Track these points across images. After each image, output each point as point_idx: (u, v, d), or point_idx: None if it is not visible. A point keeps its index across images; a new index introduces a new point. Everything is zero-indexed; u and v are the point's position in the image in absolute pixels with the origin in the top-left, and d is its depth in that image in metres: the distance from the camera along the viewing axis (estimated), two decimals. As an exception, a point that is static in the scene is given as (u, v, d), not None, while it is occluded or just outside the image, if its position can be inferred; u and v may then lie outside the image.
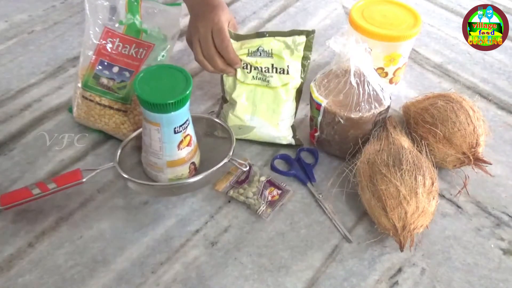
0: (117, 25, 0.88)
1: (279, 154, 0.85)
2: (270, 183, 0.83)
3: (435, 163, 0.82)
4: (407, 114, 0.93)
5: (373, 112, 0.83)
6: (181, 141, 0.77)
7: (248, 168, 0.79)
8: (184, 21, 1.17)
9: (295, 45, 0.84)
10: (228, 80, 0.89)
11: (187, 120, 0.76)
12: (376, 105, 0.84)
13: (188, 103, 0.74)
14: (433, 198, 0.76)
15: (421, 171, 0.76)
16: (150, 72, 0.76)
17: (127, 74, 0.87)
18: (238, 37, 0.85)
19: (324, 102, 0.84)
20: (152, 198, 0.83)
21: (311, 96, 0.87)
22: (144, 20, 0.88)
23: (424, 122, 0.87)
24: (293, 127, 0.90)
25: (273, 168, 0.85)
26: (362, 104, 0.83)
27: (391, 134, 0.85)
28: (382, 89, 0.86)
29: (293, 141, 0.88)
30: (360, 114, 0.82)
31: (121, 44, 0.88)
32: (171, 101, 0.71)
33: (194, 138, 0.80)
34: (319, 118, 0.86)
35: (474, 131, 0.83)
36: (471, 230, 0.82)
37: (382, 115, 0.85)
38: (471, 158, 0.82)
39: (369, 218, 0.80)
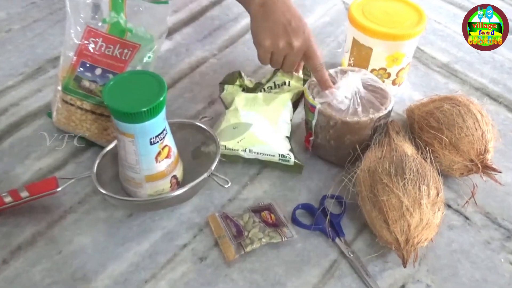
0: (100, 24, 0.87)
1: (300, 204, 0.84)
2: (255, 210, 0.82)
3: (441, 171, 0.81)
4: (411, 118, 0.92)
5: (372, 117, 0.82)
6: (159, 153, 0.76)
7: (229, 184, 0.78)
8: (172, 19, 1.17)
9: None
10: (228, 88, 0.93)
11: (164, 129, 0.75)
12: (375, 110, 0.83)
13: (163, 111, 0.74)
14: (439, 210, 0.76)
15: (425, 181, 0.75)
16: (121, 79, 0.75)
17: (110, 76, 0.86)
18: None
19: (318, 104, 0.83)
20: (136, 211, 0.82)
21: (305, 98, 0.87)
22: (129, 18, 0.87)
23: (429, 127, 0.86)
24: (290, 138, 0.90)
25: (295, 221, 0.81)
26: (360, 108, 0.82)
27: (394, 140, 0.84)
28: (384, 92, 0.85)
29: (291, 157, 0.86)
30: (357, 118, 0.82)
31: (104, 44, 0.87)
32: (144, 109, 0.70)
33: (174, 149, 0.79)
34: (314, 122, 0.85)
35: (482, 137, 0.82)
36: (479, 243, 0.81)
37: (382, 120, 0.84)
38: (479, 165, 0.81)
39: (370, 230, 0.79)
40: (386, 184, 0.75)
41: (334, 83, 0.86)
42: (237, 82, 0.94)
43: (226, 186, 0.78)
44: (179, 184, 0.82)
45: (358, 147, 0.83)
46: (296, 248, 0.79)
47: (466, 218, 0.84)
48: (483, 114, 0.86)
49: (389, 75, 0.99)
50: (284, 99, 0.91)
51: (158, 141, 0.75)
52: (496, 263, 0.79)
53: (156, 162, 0.76)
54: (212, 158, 0.81)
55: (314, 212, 0.83)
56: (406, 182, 0.74)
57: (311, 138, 0.88)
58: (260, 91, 0.94)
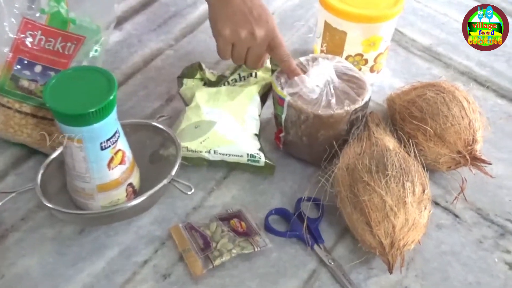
0: (38, 14, 0.86)
1: (273, 209, 0.84)
2: (223, 218, 0.82)
3: (426, 165, 0.82)
4: (391, 108, 0.93)
5: (347, 110, 0.82)
6: (111, 159, 0.75)
7: (192, 190, 0.77)
8: (121, 6, 1.16)
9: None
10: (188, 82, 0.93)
11: (116, 132, 0.74)
12: (350, 101, 0.83)
13: (114, 111, 0.73)
14: (425, 208, 0.76)
15: (409, 177, 0.76)
16: (64, 77, 0.74)
17: (52, 74, 0.85)
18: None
19: (288, 96, 0.83)
20: (88, 225, 0.81)
21: (273, 90, 0.87)
22: (71, 7, 0.86)
23: (411, 117, 0.87)
24: (259, 136, 0.90)
25: (268, 228, 0.81)
26: (333, 99, 0.83)
27: (374, 134, 0.84)
28: (360, 81, 0.86)
29: (261, 157, 0.86)
30: (331, 111, 0.82)
31: (44, 37, 0.86)
32: (92, 110, 0.69)
33: (128, 154, 0.78)
34: (283, 116, 0.85)
35: (469, 126, 0.83)
36: (471, 243, 0.82)
37: (360, 113, 0.85)
38: (468, 157, 0.82)
39: (351, 235, 0.80)
40: (367, 183, 0.76)
41: (304, 72, 0.86)
42: (198, 75, 0.93)
43: (189, 193, 0.78)
44: (136, 193, 0.82)
45: (334, 143, 0.84)
46: (271, 259, 0.79)
47: (456, 216, 0.85)
48: (469, 101, 0.87)
49: (366, 61, 0.99)
50: (251, 93, 0.91)
51: (110, 146, 0.74)
52: (490, 263, 0.80)
53: (109, 169, 0.76)
54: (173, 162, 0.80)
55: (289, 218, 0.82)
56: (389, 179, 0.75)
57: (281, 135, 0.89)
58: (224, 85, 0.94)
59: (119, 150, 0.76)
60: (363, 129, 0.87)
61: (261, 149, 0.87)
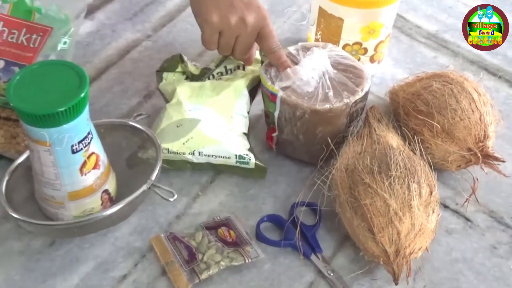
0: (-1, 3, 0.86)
1: (265, 215, 0.84)
2: (210, 227, 0.82)
3: (434, 164, 0.82)
4: (395, 102, 0.94)
5: (346, 102, 0.83)
6: (84, 163, 0.75)
7: (175, 197, 0.78)
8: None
9: None
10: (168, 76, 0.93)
11: (88, 133, 0.74)
12: (349, 93, 0.84)
13: (86, 110, 0.73)
14: (433, 211, 0.77)
15: (415, 177, 0.77)
16: (29, 73, 0.74)
17: (16, 70, 0.85)
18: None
19: (280, 91, 0.84)
20: (60, 237, 0.81)
21: (262, 85, 0.87)
22: None
23: (416, 111, 0.88)
24: (248, 135, 0.90)
25: (260, 237, 0.82)
26: (331, 92, 0.83)
27: (375, 130, 0.85)
28: (358, 70, 0.86)
29: (251, 159, 0.86)
30: (329, 105, 0.82)
31: (6, 29, 0.86)
32: (61, 109, 0.69)
33: (103, 157, 0.79)
34: (276, 114, 0.86)
35: (480, 120, 0.84)
36: (484, 249, 0.83)
37: (359, 105, 0.85)
38: (479, 155, 0.83)
39: (352, 242, 0.80)
40: (368, 185, 0.76)
41: (295, 63, 0.87)
42: (179, 69, 0.94)
43: (172, 200, 0.78)
44: (112, 201, 0.82)
45: (332, 141, 0.84)
46: (263, 271, 0.79)
47: (467, 219, 0.86)
48: (480, 93, 0.88)
49: (365, 50, 1.00)
50: (239, 87, 0.91)
51: (82, 149, 0.74)
52: (505, 271, 0.80)
53: (81, 174, 0.76)
54: (153, 166, 0.80)
55: (283, 225, 0.83)
56: (392, 180, 0.76)
57: (274, 134, 0.89)
58: (208, 78, 0.94)
59: (93, 153, 0.76)
60: (364, 125, 0.88)
61: (250, 150, 0.87)
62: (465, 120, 0.84)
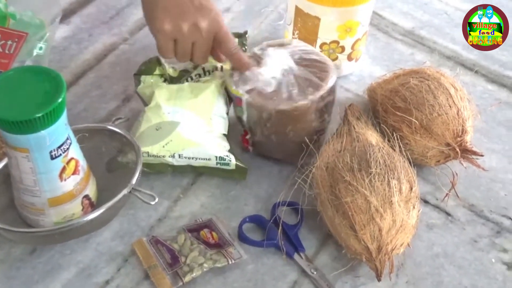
0: (-28, 10, 0.86)
1: (247, 216, 0.84)
2: (192, 229, 0.82)
3: (413, 160, 0.83)
4: (373, 99, 0.94)
5: (311, 98, 0.83)
6: (63, 169, 0.75)
7: (156, 200, 0.78)
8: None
9: None
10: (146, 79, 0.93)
11: (67, 138, 0.74)
12: (314, 89, 0.84)
13: (64, 115, 0.72)
14: (413, 207, 0.78)
15: (395, 174, 0.77)
16: (5, 79, 0.73)
17: (-8, 76, 0.85)
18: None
19: (245, 95, 0.85)
20: (40, 244, 0.81)
21: (229, 91, 0.88)
22: (10, 1, 0.87)
23: (394, 108, 0.88)
24: (227, 137, 0.90)
25: (242, 238, 0.82)
26: (295, 89, 0.84)
27: (354, 128, 0.86)
28: (323, 64, 0.87)
29: (231, 160, 0.86)
30: (294, 103, 0.83)
31: (-20, 36, 0.86)
32: (39, 115, 0.68)
33: (82, 162, 0.78)
34: (245, 117, 0.87)
35: (458, 115, 0.85)
36: (465, 243, 0.84)
37: (327, 98, 0.86)
38: (458, 150, 0.84)
39: (334, 241, 0.81)
40: (349, 182, 0.77)
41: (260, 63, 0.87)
42: (157, 71, 0.93)
43: (153, 203, 0.78)
44: (93, 206, 0.81)
45: (306, 137, 0.84)
46: (247, 271, 0.79)
47: (448, 214, 0.87)
48: (457, 88, 0.88)
49: (342, 49, 1.00)
50: (217, 88, 0.91)
51: (61, 154, 0.74)
52: (486, 264, 0.81)
53: (61, 180, 0.75)
54: (133, 170, 0.80)
55: (265, 225, 0.83)
56: (373, 177, 0.76)
57: (247, 137, 0.90)
58: (187, 80, 0.94)
59: (72, 158, 0.76)
60: (343, 123, 0.88)
61: (230, 151, 0.88)
62: (443, 115, 0.84)
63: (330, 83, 0.85)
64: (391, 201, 0.75)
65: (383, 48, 1.11)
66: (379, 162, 0.78)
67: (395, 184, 0.76)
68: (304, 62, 0.87)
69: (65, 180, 0.76)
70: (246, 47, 0.98)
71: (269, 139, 0.87)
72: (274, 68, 0.86)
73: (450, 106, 0.85)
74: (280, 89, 0.84)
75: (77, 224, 0.76)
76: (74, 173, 0.77)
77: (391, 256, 0.75)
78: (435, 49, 1.11)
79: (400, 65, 1.03)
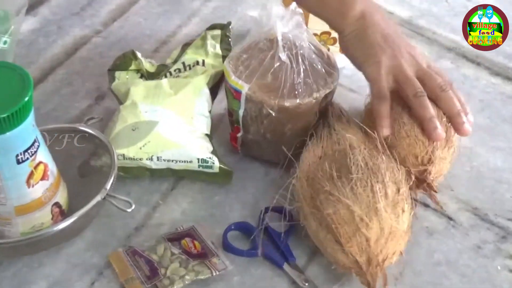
0: None
1: (233, 223, 0.84)
2: (173, 238, 0.82)
3: (403, 157, 0.83)
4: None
5: (316, 96, 0.84)
6: (31, 174, 0.75)
7: (133, 207, 0.78)
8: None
9: (211, 44, 0.96)
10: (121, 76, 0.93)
11: (35, 141, 0.74)
12: (319, 85, 0.85)
13: (31, 115, 0.72)
14: (403, 211, 0.76)
15: (378, 176, 0.76)
16: None
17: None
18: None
19: (245, 87, 0.84)
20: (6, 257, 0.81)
21: (226, 81, 0.87)
22: None
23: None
24: (210, 137, 0.90)
25: (227, 247, 0.82)
26: (299, 86, 0.84)
27: (335, 130, 0.85)
28: (328, 61, 0.87)
29: (215, 162, 0.87)
30: (298, 100, 0.83)
31: None
32: (3, 116, 0.68)
33: (52, 167, 0.78)
34: (241, 112, 0.86)
35: (428, 140, 0.83)
36: (469, 250, 0.84)
37: (329, 98, 0.86)
38: (413, 178, 0.81)
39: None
40: (329, 192, 0.76)
41: None
42: (132, 66, 0.94)
43: (130, 210, 0.78)
44: (64, 214, 0.81)
45: (305, 138, 0.85)
46: (233, 284, 0.79)
47: (449, 218, 0.87)
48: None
49: (334, 40, 1.01)
50: (198, 84, 0.91)
51: (28, 158, 0.73)
52: (492, 272, 0.82)
53: (28, 186, 0.75)
54: (107, 174, 0.80)
55: (252, 233, 0.83)
56: (354, 184, 0.75)
57: (239, 135, 0.89)
58: (165, 76, 0.94)
59: (40, 162, 0.76)
60: (323, 126, 0.87)
61: (214, 152, 0.88)
62: (411, 137, 0.83)
63: (335, 82, 0.86)
64: (376, 207, 0.74)
65: (378, 39, 1.12)
66: (360, 166, 0.77)
67: (379, 189, 0.75)
68: (308, 58, 0.86)
69: (33, 186, 0.75)
70: (230, 39, 0.98)
71: (263, 138, 0.87)
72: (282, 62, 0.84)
73: (422, 128, 0.83)
74: (285, 84, 0.83)
75: (47, 234, 0.76)
76: (42, 178, 0.76)
77: (383, 268, 0.74)
78: (435, 40, 1.12)
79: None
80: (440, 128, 0.81)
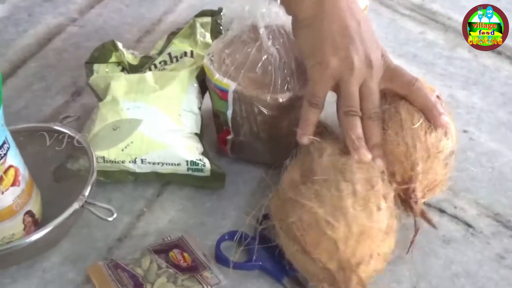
0: None
1: (226, 233, 0.84)
2: (159, 250, 0.81)
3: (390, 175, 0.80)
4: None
5: None
6: (0, 179, 0.75)
7: (114, 215, 0.77)
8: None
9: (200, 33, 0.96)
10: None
11: (4, 142, 0.74)
12: None
13: (0, 114, 0.73)
14: (379, 208, 0.74)
15: (346, 175, 0.75)
16: None
17: None
18: None
19: (232, 85, 0.84)
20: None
21: (208, 81, 0.87)
22: None
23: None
24: (200, 136, 0.90)
25: (221, 259, 0.81)
26: (292, 78, 0.84)
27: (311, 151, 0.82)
28: None
29: (205, 164, 0.86)
30: (290, 93, 0.83)
31: None
32: None
33: (23, 171, 0.78)
34: (229, 113, 0.86)
35: (406, 156, 0.80)
36: (490, 260, 0.83)
37: None
38: (399, 199, 0.80)
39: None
40: (294, 200, 0.75)
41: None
42: (113, 59, 0.93)
43: (111, 219, 0.77)
44: (37, 224, 0.81)
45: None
46: (226, 299, 0.79)
47: (468, 225, 0.87)
48: (420, 117, 0.83)
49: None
50: (186, 78, 0.91)
51: (-4, 162, 0.74)
52: (516, 285, 0.82)
53: (-2, 193, 0.75)
54: (85, 179, 0.80)
55: (248, 243, 0.82)
56: (319, 186, 0.75)
57: (228, 137, 0.89)
58: (149, 69, 0.94)
59: (10, 166, 0.76)
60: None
61: (204, 154, 0.88)
62: (388, 155, 0.81)
63: None
64: (342, 206, 0.73)
65: (387, 26, 1.12)
66: (324, 166, 0.77)
67: (345, 186, 0.74)
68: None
69: (2, 193, 0.76)
70: (221, 27, 0.98)
71: (257, 137, 0.87)
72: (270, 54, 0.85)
73: (398, 144, 0.81)
74: (276, 78, 0.84)
75: (18, 246, 0.75)
76: (13, 184, 0.77)
77: (356, 271, 0.72)
78: (450, 26, 1.12)
79: (407, 46, 1.04)
80: (365, 148, 0.79)
